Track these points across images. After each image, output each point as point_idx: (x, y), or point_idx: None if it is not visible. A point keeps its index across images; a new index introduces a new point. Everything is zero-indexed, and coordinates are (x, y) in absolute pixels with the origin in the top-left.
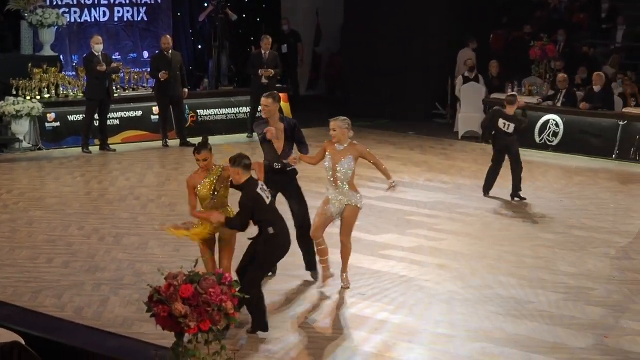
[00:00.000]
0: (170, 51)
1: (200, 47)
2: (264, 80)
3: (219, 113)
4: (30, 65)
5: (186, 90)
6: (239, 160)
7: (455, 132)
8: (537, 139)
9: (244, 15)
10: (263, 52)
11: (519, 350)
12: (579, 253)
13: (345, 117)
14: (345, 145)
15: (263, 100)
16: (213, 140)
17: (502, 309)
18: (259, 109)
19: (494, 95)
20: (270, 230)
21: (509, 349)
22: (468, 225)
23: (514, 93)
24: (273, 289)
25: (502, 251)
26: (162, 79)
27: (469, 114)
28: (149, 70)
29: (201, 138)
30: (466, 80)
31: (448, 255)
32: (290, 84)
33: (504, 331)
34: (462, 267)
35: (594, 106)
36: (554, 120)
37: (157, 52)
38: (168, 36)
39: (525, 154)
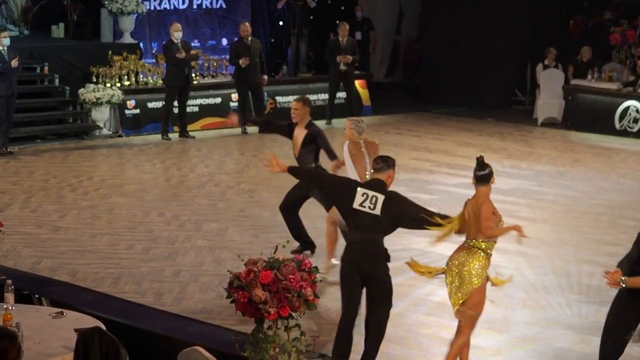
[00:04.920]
0: (250, 38)
1: (278, 34)
2: (342, 67)
3: None
4: (110, 52)
5: (265, 77)
6: None
7: (535, 118)
8: (617, 126)
9: (322, 2)
10: (340, 38)
11: (599, 338)
12: None
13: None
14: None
15: (293, 103)
16: None
17: (582, 296)
18: (336, 96)
19: (574, 82)
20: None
21: (590, 336)
22: (547, 212)
23: None
24: None
25: (582, 238)
26: (242, 65)
27: (549, 101)
28: (228, 57)
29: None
30: (546, 67)
31: (527, 242)
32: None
33: (584, 318)
34: (542, 254)
35: None
36: (634, 106)
37: (236, 39)
38: (247, 23)
39: (605, 141)
